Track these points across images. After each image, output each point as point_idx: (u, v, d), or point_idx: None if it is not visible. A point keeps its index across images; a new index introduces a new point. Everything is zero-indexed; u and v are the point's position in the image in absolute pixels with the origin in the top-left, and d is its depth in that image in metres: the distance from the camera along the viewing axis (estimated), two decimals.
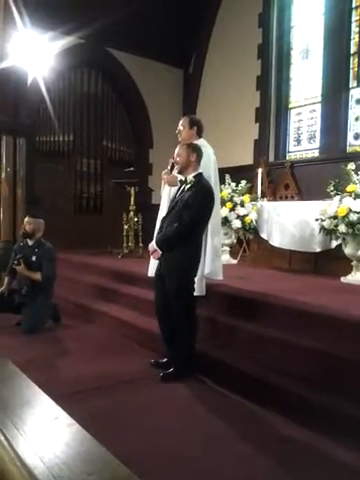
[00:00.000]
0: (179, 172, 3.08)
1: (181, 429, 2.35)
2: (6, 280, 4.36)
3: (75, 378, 2.98)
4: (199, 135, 3.61)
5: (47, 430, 1.34)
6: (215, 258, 3.53)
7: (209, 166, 3.50)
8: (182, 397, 2.77)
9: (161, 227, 3.19)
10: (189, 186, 2.97)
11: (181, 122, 3.61)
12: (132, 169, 7.04)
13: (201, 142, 3.59)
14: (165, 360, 3.20)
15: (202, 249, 3.31)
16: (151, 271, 3.73)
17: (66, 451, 1.15)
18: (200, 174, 3.06)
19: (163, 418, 2.47)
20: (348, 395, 2.41)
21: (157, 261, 3.33)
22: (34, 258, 4.13)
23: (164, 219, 3.18)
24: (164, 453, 2.11)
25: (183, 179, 3.05)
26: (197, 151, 3.09)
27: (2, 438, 1.11)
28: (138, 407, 2.61)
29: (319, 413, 2.42)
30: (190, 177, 3.00)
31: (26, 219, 4.28)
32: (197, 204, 2.92)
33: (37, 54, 6.42)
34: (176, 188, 3.32)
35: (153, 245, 3.08)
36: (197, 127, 3.58)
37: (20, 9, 6.45)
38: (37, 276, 4.08)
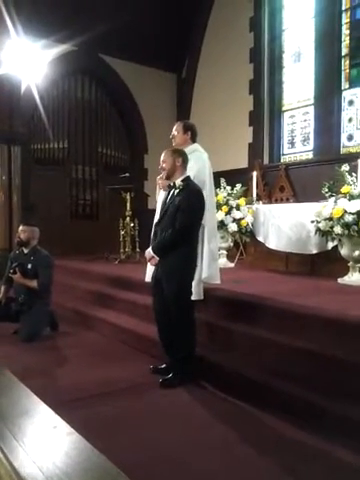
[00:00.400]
0: (167, 178, 3.10)
1: (182, 435, 2.34)
2: (2, 289, 4.35)
3: (74, 386, 2.96)
4: (193, 140, 3.62)
5: (46, 440, 1.34)
6: (212, 262, 3.53)
7: (204, 171, 3.51)
8: (182, 402, 2.77)
9: (155, 233, 3.20)
10: (178, 190, 3.00)
11: (175, 127, 3.63)
12: (127, 175, 7.06)
13: (195, 147, 3.61)
14: (164, 366, 3.19)
15: (198, 252, 3.32)
16: (148, 276, 3.73)
17: (66, 461, 1.15)
18: (188, 177, 3.09)
19: (163, 424, 2.46)
20: (347, 396, 2.41)
21: (154, 266, 3.34)
22: (30, 266, 4.13)
23: (157, 225, 3.20)
24: (165, 460, 2.10)
25: (171, 184, 3.08)
26: (182, 155, 3.11)
27: None
28: (138, 414, 2.60)
29: (319, 415, 2.42)
30: (178, 181, 3.02)
31: (20, 228, 4.28)
32: (189, 207, 2.95)
33: (30, 62, 6.44)
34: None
35: (150, 252, 3.09)
36: (191, 132, 3.60)
37: (13, 17, 6.47)
38: (33, 284, 4.07)
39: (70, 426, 1.38)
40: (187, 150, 3.56)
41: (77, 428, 1.36)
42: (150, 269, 3.68)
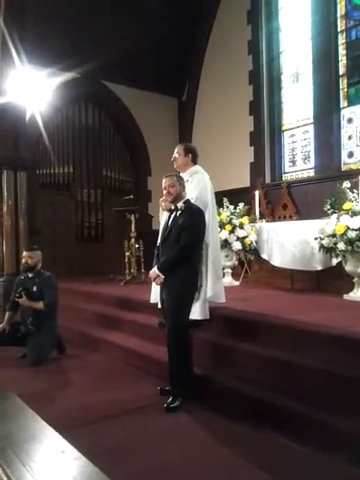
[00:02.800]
0: (172, 202, 3.19)
1: (190, 457, 2.32)
2: (7, 315, 4.36)
3: (81, 409, 2.96)
4: (194, 162, 3.70)
5: (54, 465, 1.34)
6: (216, 281, 3.56)
7: (206, 192, 3.58)
8: (190, 424, 2.74)
9: (157, 255, 3.26)
10: (181, 212, 3.12)
11: (176, 150, 3.71)
12: (131, 197, 7.14)
13: (197, 168, 3.69)
14: None
15: (202, 271, 3.37)
16: (153, 297, 3.75)
17: None
18: (188, 200, 3.22)
19: (171, 447, 2.44)
20: (355, 413, 2.38)
21: (159, 287, 3.37)
22: (35, 288, 4.18)
23: (158, 248, 3.27)
24: None
25: (172, 207, 3.18)
26: (183, 181, 3.29)
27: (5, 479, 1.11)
28: (146, 437, 2.58)
29: (326, 433, 2.39)
30: (180, 204, 3.15)
31: (25, 253, 4.33)
32: (193, 226, 3.07)
33: (35, 90, 6.62)
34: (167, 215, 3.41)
35: (155, 271, 3.12)
36: (192, 154, 3.68)
37: (17, 47, 6.69)
38: (39, 305, 4.11)
39: (78, 450, 1.38)
40: (189, 172, 3.64)
41: (85, 452, 1.37)
42: (155, 290, 3.71)
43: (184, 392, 3.02)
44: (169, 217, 3.22)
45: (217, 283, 3.56)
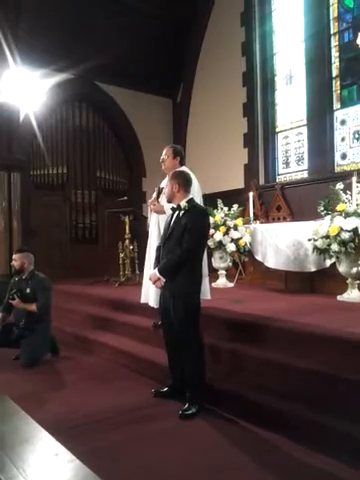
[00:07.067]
0: (168, 201, 3.13)
1: (187, 461, 2.31)
2: (0, 316, 4.33)
3: (75, 412, 2.94)
4: (182, 164, 3.77)
5: (48, 468, 1.33)
6: (203, 278, 3.58)
7: (193, 191, 3.58)
8: (185, 426, 2.73)
9: (158, 256, 3.15)
10: (184, 212, 2.99)
11: (165, 152, 3.78)
12: (125, 198, 7.13)
13: (183, 169, 3.72)
14: (166, 389, 3.16)
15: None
16: (144, 298, 3.78)
17: None
18: (192, 199, 3.09)
19: (167, 450, 2.43)
20: (353, 415, 2.38)
21: (151, 287, 3.33)
22: (28, 290, 4.17)
23: (159, 248, 3.17)
24: None
25: (175, 206, 3.08)
26: (179, 180, 3.10)
27: None
28: (141, 439, 2.57)
29: (325, 434, 2.39)
30: (183, 203, 3.02)
31: (13, 256, 4.34)
32: (196, 227, 2.94)
33: (28, 91, 6.60)
34: (164, 216, 3.37)
35: (155, 274, 3.00)
36: (180, 157, 3.77)
37: (11, 47, 6.68)
38: (32, 307, 4.09)
39: (72, 453, 1.38)
40: None
41: (79, 455, 1.36)
42: (146, 290, 3.73)
43: (203, 398, 2.91)
44: (172, 216, 3.10)
45: (204, 280, 3.58)
